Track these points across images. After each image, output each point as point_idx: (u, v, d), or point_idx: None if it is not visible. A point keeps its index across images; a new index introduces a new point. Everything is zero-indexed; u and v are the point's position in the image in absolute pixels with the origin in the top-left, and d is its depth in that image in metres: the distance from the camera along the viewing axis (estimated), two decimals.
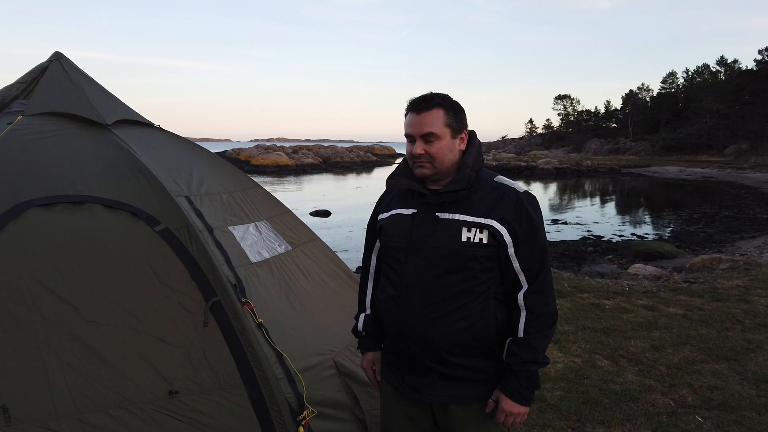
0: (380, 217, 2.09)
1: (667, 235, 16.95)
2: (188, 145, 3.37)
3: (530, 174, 47.74)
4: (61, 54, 3.06)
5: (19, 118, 2.61)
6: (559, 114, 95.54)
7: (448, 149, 1.89)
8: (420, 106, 1.89)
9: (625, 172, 48.62)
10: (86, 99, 2.84)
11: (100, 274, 2.15)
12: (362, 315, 2.18)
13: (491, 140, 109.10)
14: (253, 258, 2.76)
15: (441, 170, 1.90)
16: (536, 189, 36.59)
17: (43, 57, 3.04)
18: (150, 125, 3.26)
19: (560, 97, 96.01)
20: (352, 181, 44.50)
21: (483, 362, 1.91)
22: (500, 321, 1.90)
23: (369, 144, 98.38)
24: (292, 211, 3.59)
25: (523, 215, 1.87)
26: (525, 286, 1.88)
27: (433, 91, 1.93)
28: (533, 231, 1.87)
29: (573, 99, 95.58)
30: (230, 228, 2.77)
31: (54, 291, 2.03)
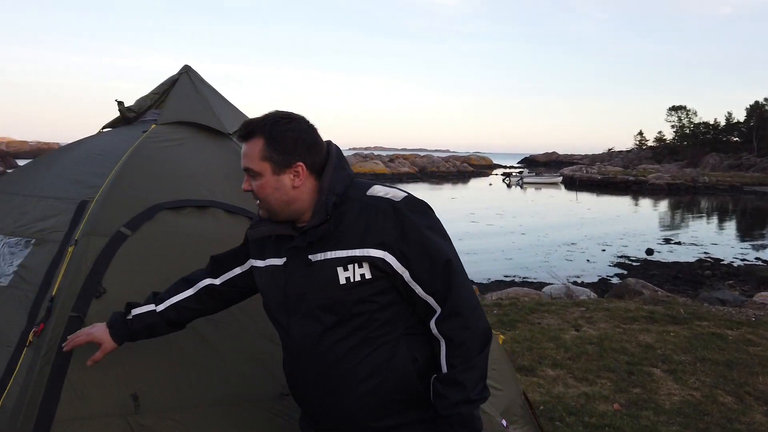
0: (254, 264, 1.73)
1: None
2: None
3: (639, 189, 45.07)
4: (190, 67, 3.27)
5: (152, 126, 2.81)
6: (672, 126, 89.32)
7: (272, 187, 1.55)
8: (241, 133, 1.59)
9: (749, 191, 44.63)
10: (210, 109, 3.01)
11: None
12: (152, 306, 1.79)
13: (596, 152, 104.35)
14: None
15: (274, 211, 1.59)
16: (645, 205, 34.45)
17: (174, 70, 3.26)
18: None
19: (674, 108, 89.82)
20: (447, 191, 44.26)
21: (417, 414, 1.57)
22: (422, 361, 1.56)
23: (466, 154, 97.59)
24: None
25: (408, 229, 1.51)
26: (438, 311, 1.53)
27: (273, 113, 1.58)
28: (425, 245, 1.51)
29: (689, 110, 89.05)
30: None
31: None
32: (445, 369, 1.51)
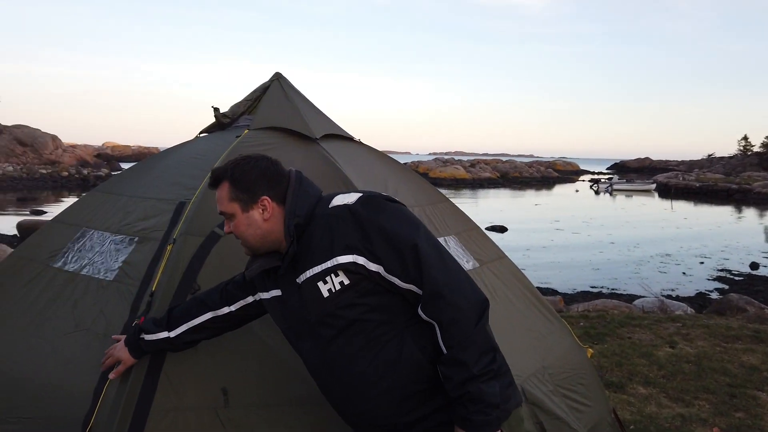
0: (262, 297, 1.81)
1: None
2: (384, 158, 3.51)
3: (742, 198, 41.83)
4: (281, 74, 3.38)
5: (245, 131, 2.93)
6: None
7: (245, 225, 1.67)
8: (210, 182, 1.71)
9: None
10: (299, 115, 3.09)
11: None
12: (165, 332, 1.90)
13: (694, 158, 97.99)
14: None
15: (253, 246, 1.69)
16: (750, 216, 31.92)
17: (266, 77, 3.39)
18: (351, 139, 3.46)
19: None
20: (530, 197, 43.13)
21: (441, 400, 1.57)
22: (430, 348, 1.57)
23: (550, 159, 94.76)
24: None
25: (367, 227, 1.56)
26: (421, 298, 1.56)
27: (235, 158, 1.70)
28: (388, 236, 1.55)
29: None
30: None
31: None
32: (444, 350, 1.52)
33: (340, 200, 1.64)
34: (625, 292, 12.33)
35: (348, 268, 1.56)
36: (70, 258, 2.63)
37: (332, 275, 1.57)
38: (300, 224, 1.63)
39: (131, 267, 2.41)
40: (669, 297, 10.81)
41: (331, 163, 2.82)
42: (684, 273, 15.41)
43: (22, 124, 48.88)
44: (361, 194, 1.64)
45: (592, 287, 13.16)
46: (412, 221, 1.62)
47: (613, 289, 12.98)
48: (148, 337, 1.91)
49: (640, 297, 10.19)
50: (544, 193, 48.15)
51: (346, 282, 1.56)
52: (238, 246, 2.29)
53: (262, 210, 1.66)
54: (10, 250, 9.49)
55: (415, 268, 1.53)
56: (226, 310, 1.89)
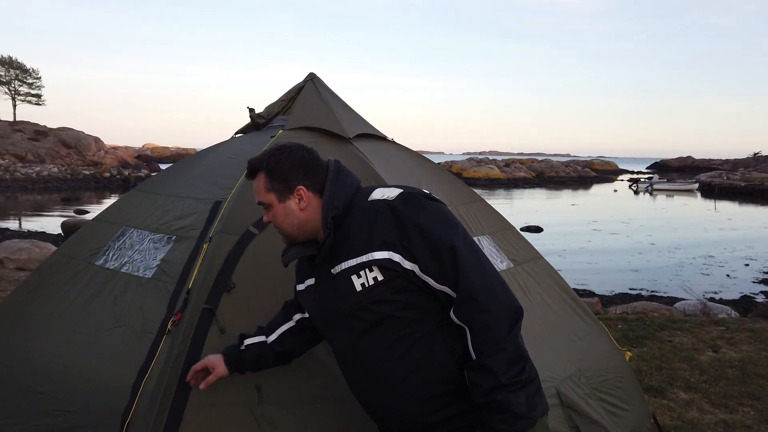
0: (298, 289, 1.82)
1: None
2: (417, 157, 3.50)
3: None
4: (315, 74, 3.41)
5: (280, 131, 2.96)
6: None
7: (282, 215, 1.67)
8: (247, 174, 1.73)
9: None
10: (333, 115, 3.10)
11: None
12: (263, 338, 1.89)
13: (739, 157, 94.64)
14: None
15: (291, 236, 1.70)
16: None
17: (300, 78, 3.41)
18: (384, 138, 3.46)
19: None
20: (567, 197, 42.39)
21: (468, 403, 1.54)
22: (460, 351, 1.54)
23: (588, 158, 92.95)
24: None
25: (406, 224, 1.53)
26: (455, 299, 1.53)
27: (270, 148, 1.72)
28: (426, 236, 1.52)
29: None
30: None
31: None
32: (473, 356, 1.49)
33: (379, 194, 1.62)
34: (665, 295, 11.99)
35: (383, 265, 1.54)
36: (110, 256, 2.71)
37: (366, 270, 1.56)
38: (338, 215, 1.62)
39: (169, 265, 2.46)
40: (712, 300, 10.46)
41: (365, 162, 2.83)
42: (728, 275, 14.89)
43: (66, 126, 50.67)
44: (401, 190, 1.61)
45: (630, 289, 12.84)
46: (452, 221, 1.60)
47: (653, 292, 12.64)
48: (248, 341, 1.90)
49: (682, 299, 9.90)
50: (581, 193, 47.27)
51: (380, 278, 1.55)
52: (273, 244, 2.31)
53: (299, 200, 1.66)
54: (54, 248, 9.83)
55: (452, 269, 1.52)
56: (303, 315, 1.90)
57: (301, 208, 1.66)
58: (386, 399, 1.61)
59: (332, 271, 1.63)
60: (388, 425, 1.67)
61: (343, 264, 1.60)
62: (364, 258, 1.56)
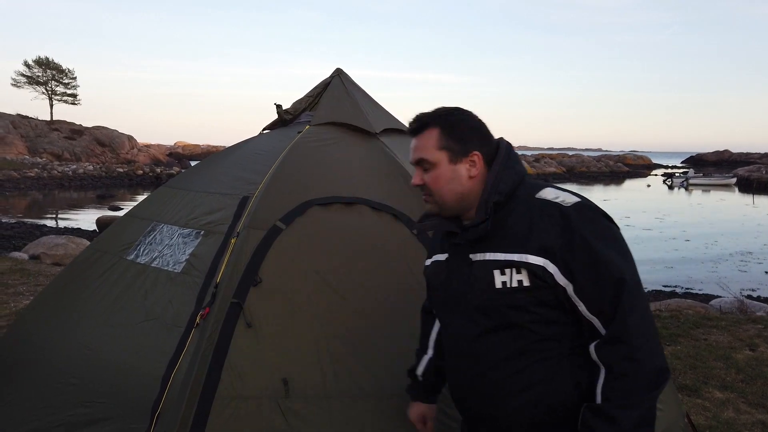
0: (426, 263, 1.69)
1: None
2: None
3: None
4: (341, 70, 3.40)
5: (306, 127, 2.97)
6: None
7: (447, 178, 1.49)
8: (412, 127, 1.53)
9: None
10: (359, 110, 3.10)
11: (365, 269, 2.32)
12: (424, 356, 1.79)
13: None
14: None
15: (446, 204, 1.51)
16: None
17: (327, 74, 3.41)
18: None
19: None
20: (598, 192, 41.65)
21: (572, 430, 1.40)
22: (585, 387, 1.39)
23: (620, 153, 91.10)
24: None
25: (576, 238, 1.37)
26: (602, 335, 1.37)
27: (442, 106, 1.54)
28: (594, 258, 1.35)
29: None
30: None
31: (329, 282, 2.25)
32: (599, 399, 1.35)
33: (552, 195, 1.46)
34: (700, 292, 11.68)
35: (534, 271, 1.39)
36: (141, 251, 2.76)
37: (513, 270, 1.41)
38: (500, 202, 1.47)
39: (197, 259, 2.49)
40: (749, 297, 10.14)
41: (391, 157, 2.82)
42: (766, 272, 14.44)
43: (101, 125, 51.92)
44: (579, 199, 1.46)
45: (664, 286, 12.54)
46: (627, 250, 1.43)
47: (687, 288, 12.33)
48: (418, 369, 1.80)
49: (718, 297, 9.62)
50: (612, 188, 46.40)
51: (526, 283, 1.40)
52: (298, 239, 2.33)
53: (470, 165, 1.50)
54: (88, 243, 10.09)
55: (611, 303, 1.35)
56: None
57: (471, 176, 1.50)
58: (488, 407, 1.50)
59: (471, 256, 1.49)
60: (475, 425, 1.58)
61: (488, 254, 1.45)
62: (515, 257, 1.41)
